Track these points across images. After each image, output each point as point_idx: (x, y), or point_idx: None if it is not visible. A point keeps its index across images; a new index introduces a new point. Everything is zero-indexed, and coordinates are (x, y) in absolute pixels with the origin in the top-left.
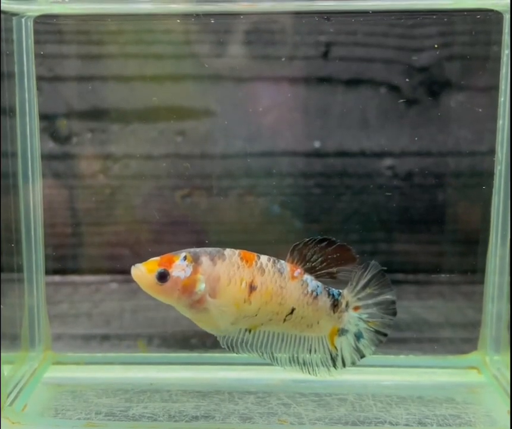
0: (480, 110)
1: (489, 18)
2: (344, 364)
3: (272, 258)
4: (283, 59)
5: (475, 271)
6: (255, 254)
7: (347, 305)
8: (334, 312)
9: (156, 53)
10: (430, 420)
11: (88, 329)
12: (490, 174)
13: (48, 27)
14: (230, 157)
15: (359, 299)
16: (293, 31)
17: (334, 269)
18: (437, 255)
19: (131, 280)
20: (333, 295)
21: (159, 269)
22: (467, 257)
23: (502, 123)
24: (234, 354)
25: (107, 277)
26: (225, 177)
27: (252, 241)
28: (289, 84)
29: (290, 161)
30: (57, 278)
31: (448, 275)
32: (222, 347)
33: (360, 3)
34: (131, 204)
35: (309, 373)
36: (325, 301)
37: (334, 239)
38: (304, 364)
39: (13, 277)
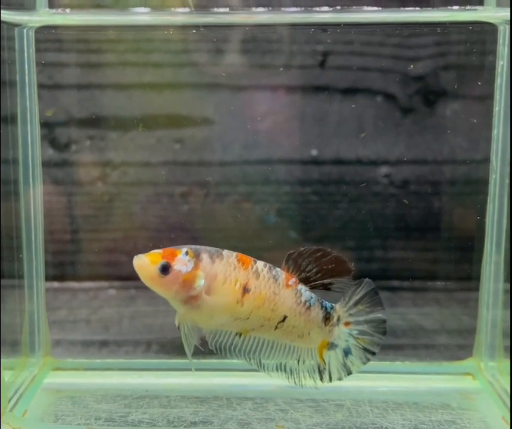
0: (475, 121)
1: (484, 29)
2: (330, 379)
3: (268, 265)
4: (281, 69)
5: (470, 279)
6: (252, 258)
7: (338, 319)
8: (325, 325)
9: (154, 61)
10: (426, 426)
11: (87, 335)
12: (485, 182)
13: (48, 35)
14: (227, 165)
15: (350, 315)
16: (290, 40)
17: (329, 280)
18: (432, 262)
19: (130, 287)
20: (325, 308)
21: (163, 261)
22: (462, 264)
23: (497, 132)
24: (233, 361)
25: (105, 283)
26: (222, 184)
27: (249, 248)
28: (286, 93)
29: (287, 168)
30: (56, 284)
31: (443, 282)
32: (210, 348)
33: (356, 16)
34: (130, 211)
35: (295, 383)
36: (317, 313)
37: (329, 250)
38: (291, 373)
39: (14, 284)
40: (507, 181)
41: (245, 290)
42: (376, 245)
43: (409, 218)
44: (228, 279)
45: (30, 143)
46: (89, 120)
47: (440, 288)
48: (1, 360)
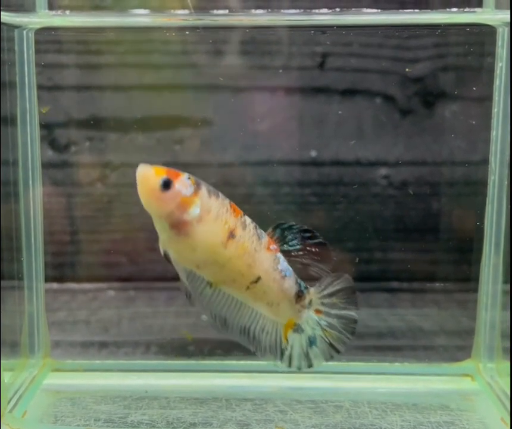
0: (474, 122)
1: (483, 31)
2: (290, 364)
3: (254, 223)
4: (280, 70)
5: (469, 280)
6: (242, 212)
7: (310, 303)
8: (296, 302)
9: (154, 63)
10: (425, 427)
11: (86, 336)
12: (484, 184)
13: (48, 37)
14: (227, 166)
15: (323, 304)
16: (289, 42)
17: (308, 261)
18: (431, 263)
19: (129, 288)
20: (300, 285)
21: (166, 176)
22: (461, 266)
23: (496, 133)
24: (232, 362)
25: (104, 284)
26: (222, 186)
27: None
28: (286, 94)
29: (286, 170)
30: (55, 285)
31: (442, 283)
32: (182, 288)
33: (355, 18)
34: (129, 212)
35: (255, 350)
36: (291, 286)
37: (317, 234)
38: (254, 339)
39: (14, 285)
40: (506, 182)
41: (231, 235)
42: (375, 246)
43: (408, 220)
44: (220, 218)
45: (30, 145)
46: (88, 121)
47: (439, 289)
48: (1, 361)
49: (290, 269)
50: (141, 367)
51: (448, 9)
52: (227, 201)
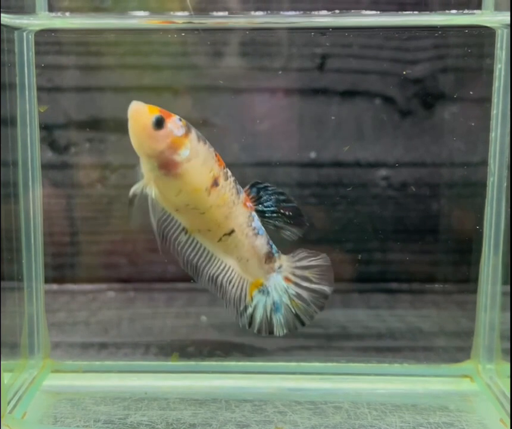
0: (473, 123)
1: (482, 32)
2: (250, 324)
3: (234, 177)
4: (280, 72)
5: (468, 281)
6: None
7: (280, 268)
8: (265, 262)
9: (153, 64)
10: (424, 428)
11: (86, 338)
12: (483, 185)
13: (48, 38)
14: (226, 167)
15: (294, 274)
16: (289, 43)
17: (281, 225)
18: (431, 264)
19: (129, 289)
20: (271, 246)
21: (159, 114)
22: (460, 267)
23: (495, 135)
24: (231, 363)
25: (104, 285)
26: None
27: None
28: (285, 96)
29: (286, 171)
30: (55, 286)
31: (441, 284)
32: (159, 230)
33: (355, 19)
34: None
35: (222, 298)
36: (262, 245)
37: (292, 198)
38: (221, 288)
39: (13, 286)
40: (505, 184)
41: (215, 182)
42: (375, 247)
43: (407, 221)
44: (206, 164)
45: (30, 146)
46: (88, 122)
47: (439, 291)
48: (1, 362)
49: (263, 229)
50: (141, 368)
51: (447, 11)
52: (212, 150)
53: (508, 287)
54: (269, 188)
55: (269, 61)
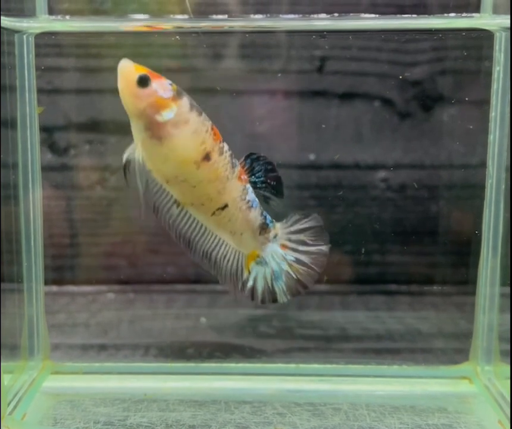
0: (472, 126)
1: (481, 35)
2: (252, 297)
3: (231, 151)
4: (279, 74)
5: (467, 283)
6: (221, 138)
7: (275, 237)
8: (260, 234)
9: (152, 66)
10: None
11: (85, 339)
12: (482, 187)
13: (47, 40)
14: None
15: (289, 240)
16: (288, 46)
17: (268, 194)
18: (430, 266)
19: (128, 291)
20: (265, 217)
21: (145, 73)
22: (459, 269)
23: (493, 137)
24: (231, 364)
25: (104, 287)
26: None
27: None
28: (285, 98)
29: (285, 173)
30: (54, 288)
31: (440, 286)
32: (150, 201)
33: (354, 23)
34: (128, 215)
35: (216, 274)
36: (256, 217)
37: (276, 168)
38: (215, 264)
39: (13, 287)
40: (503, 186)
41: (206, 156)
42: (374, 249)
43: (406, 223)
44: (197, 135)
45: (30, 148)
46: (88, 124)
47: (437, 292)
48: (1, 363)
49: (257, 200)
50: (140, 369)
51: (445, 14)
52: (209, 123)
53: (507, 289)
54: (261, 159)
55: (269, 63)
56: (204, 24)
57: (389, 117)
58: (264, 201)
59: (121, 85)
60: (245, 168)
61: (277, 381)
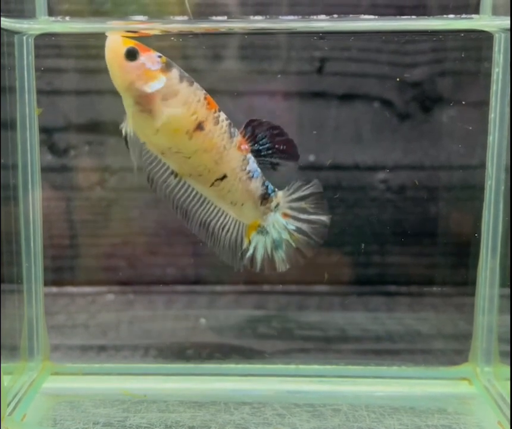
0: (471, 127)
1: (480, 36)
2: (251, 265)
3: (230, 121)
4: (279, 75)
5: (466, 284)
6: (218, 107)
7: (277, 206)
8: (261, 204)
9: None
10: None
11: (85, 340)
12: (481, 188)
13: (47, 41)
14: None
15: (291, 208)
16: (287, 47)
17: (277, 160)
18: (429, 267)
19: (128, 292)
20: (267, 187)
21: (133, 46)
22: (458, 270)
23: (493, 138)
24: (230, 365)
25: (104, 288)
26: None
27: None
28: (284, 99)
29: (285, 173)
30: (54, 289)
31: (440, 287)
32: (145, 173)
33: (353, 24)
34: (128, 216)
35: (213, 246)
36: (257, 188)
37: (286, 131)
38: (212, 235)
39: (13, 288)
40: (503, 187)
41: (199, 126)
42: (373, 250)
43: (406, 224)
44: (188, 106)
45: (29, 149)
46: (87, 125)
47: (437, 293)
48: (0, 364)
49: (259, 170)
50: (140, 370)
51: (445, 16)
52: (201, 92)
53: (506, 290)
54: (264, 123)
55: (269, 64)
56: (204, 26)
57: (389, 118)
58: (272, 168)
59: (109, 59)
60: (246, 137)
61: (277, 382)
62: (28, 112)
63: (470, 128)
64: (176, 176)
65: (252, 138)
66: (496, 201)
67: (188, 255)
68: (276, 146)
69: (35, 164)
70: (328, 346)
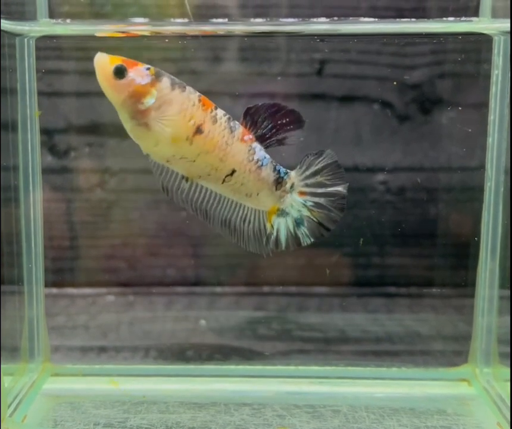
0: (471, 129)
1: (479, 38)
2: (277, 246)
3: (228, 115)
4: (279, 77)
5: (466, 285)
6: (214, 104)
7: (292, 187)
8: (276, 189)
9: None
10: None
11: (85, 341)
12: (481, 190)
13: (48, 43)
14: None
15: (307, 185)
16: (287, 49)
17: (282, 135)
18: (429, 268)
19: (128, 293)
20: (279, 171)
21: (120, 64)
22: (458, 271)
23: (492, 140)
24: (230, 366)
25: (104, 289)
26: None
27: (246, 254)
28: (284, 101)
29: None
30: (54, 290)
31: (439, 289)
32: (158, 183)
33: (353, 27)
34: (128, 218)
35: (238, 241)
36: (268, 174)
37: (284, 105)
38: (235, 231)
39: (14, 290)
40: (502, 189)
41: (198, 130)
42: (373, 251)
43: (405, 225)
44: (184, 112)
45: (30, 150)
46: (88, 127)
47: (436, 295)
48: (1, 365)
49: (267, 156)
50: (140, 372)
51: (444, 19)
52: (195, 95)
53: (505, 291)
54: (261, 106)
55: (268, 66)
56: (204, 28)
57: (388, 120)
58: (281, 144)
59: (99, 79)
60: (247, 126)
61: (277, 383)
62: (29, 113)
63: (470, 130)
64: (187, 180)
65: (253, 125)
66: (495, 203)
67: (188, 257)
68: (278, 122)
69: (36, 166)
70: (328, 347)
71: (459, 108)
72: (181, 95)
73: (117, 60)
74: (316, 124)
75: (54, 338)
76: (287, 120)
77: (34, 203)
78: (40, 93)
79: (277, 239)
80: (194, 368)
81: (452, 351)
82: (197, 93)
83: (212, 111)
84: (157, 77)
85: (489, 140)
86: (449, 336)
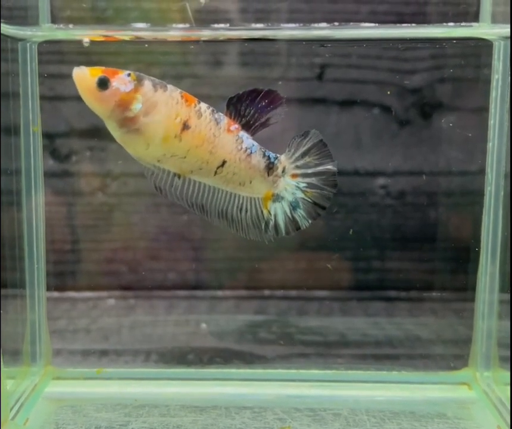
0: (471, 133)
1: (479, 43)
2: (277, 232)
3: (212, 108)
4: (280, 82)
5: (466, 289)
6: (197, 99)
7: (284, 171)
8: (268, 174)
9: (154, 74)
10: None
11: (87, 345)
12: (481, 194)
13: (50, 47)
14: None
15: (297, 167)
16: (288, 53)
17: (265, 117)
18: (429, 272)
19: (129, 296)
20: (268, 156)
21: (102, 75)
22: (458, 275)
23: (492, 144)
24: (231, 370)
25: (105, 293)
26: None
27: (247, 257)
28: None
29: None
30: (56, 294)
31: (439, 292)
32: (151, 184)
33: (354, 32)
34: (129, 221)
35: (237, 230)
36: (259, 161)
37: (261, 88)
38: (233, 221)
39: (16, 293)
40: (502, 193)
41: (185, 126)
42: (373, 255)
43: (405, 229)
44: (169, 112)
45: (32, 154)
46: (89, 131)
47: (437, 298)
48: (3, 369)
49: (256, 144)
50: (141, 375)
51: (444, 24)
52: (177, 92)
53: (505, 295)
54: (242, 95)
55: (269, 70)
56: (205, 33)
57: (388, 124)
58: (265, 126)
59: (82, 94)
60: (232, 116)
61: (277, 387)
62: (32, 118)
63: (470, 134)
64: (179, 176)
65: (237, 115)
66: (495, 207)
67: (189, 260)
68: (259, 105)
69: (38, 169)
70: (329, 351)
71: (459, 113)
72: (164, 94)
73: (97, 71)
74: (316, 129)
75: (56, 342)
76: (267, 101)
77: (36, 207)
78: (42, 98)
79: (276, 224)
80: (195, 371)
81: (452, 354)
82: (179, 90)
83: (195, 105)
84: (139, 81)
85: (489, 144)
86: (449, 340)
